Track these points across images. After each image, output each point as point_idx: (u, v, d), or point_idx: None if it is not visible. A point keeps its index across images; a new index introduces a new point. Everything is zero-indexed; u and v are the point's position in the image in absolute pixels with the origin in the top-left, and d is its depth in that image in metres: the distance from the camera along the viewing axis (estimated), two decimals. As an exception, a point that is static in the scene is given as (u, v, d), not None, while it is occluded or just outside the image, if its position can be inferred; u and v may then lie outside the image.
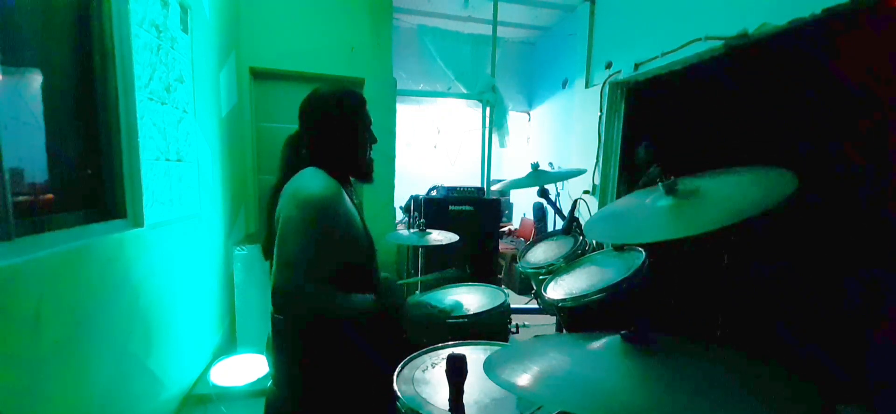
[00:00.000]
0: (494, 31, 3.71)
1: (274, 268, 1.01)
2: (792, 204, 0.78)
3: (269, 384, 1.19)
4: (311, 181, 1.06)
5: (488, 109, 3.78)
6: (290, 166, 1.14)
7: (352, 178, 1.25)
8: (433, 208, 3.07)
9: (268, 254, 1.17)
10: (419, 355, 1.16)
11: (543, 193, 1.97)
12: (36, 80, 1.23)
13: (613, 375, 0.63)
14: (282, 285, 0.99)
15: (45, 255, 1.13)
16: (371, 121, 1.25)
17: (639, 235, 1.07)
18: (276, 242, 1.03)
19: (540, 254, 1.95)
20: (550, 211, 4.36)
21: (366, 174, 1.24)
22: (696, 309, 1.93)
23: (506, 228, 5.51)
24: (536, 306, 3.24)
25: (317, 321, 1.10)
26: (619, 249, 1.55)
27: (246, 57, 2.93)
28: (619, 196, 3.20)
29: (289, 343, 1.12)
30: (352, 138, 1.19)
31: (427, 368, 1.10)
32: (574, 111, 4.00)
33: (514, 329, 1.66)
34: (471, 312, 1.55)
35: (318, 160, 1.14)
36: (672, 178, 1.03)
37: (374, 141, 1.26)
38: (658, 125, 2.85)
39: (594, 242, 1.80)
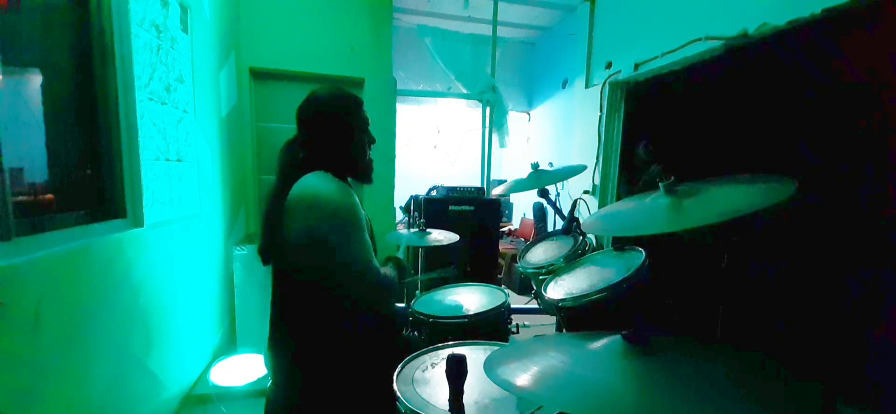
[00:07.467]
0: (494, 31, 3.71)
1: (349, 276, 1.04)
2: (792, 204, 0.78)
3: (268, 384, 1.19)
4: (327, 186, 1.04)
5: (488, 109, 3.78)
6: (289, 171, 1.12)
7: (350, 180, 1.24)
8: (433, 208, 3.07)
9: (266, 259, 1.16)
10: (419, 355, 1.17)
11: (543, 193, 1.96)
12: (36, 80, 1.23)
13: (613, 375, 0.63)
14: (369, 285, 1.05)
15: (45, 255, 1.13)
16: (368, 121, 1.24)
17: (637, 228, 1.07)
18: (315, 254, 1.03)
19: (540, 254, 1.95)
20: (550, 211, 4.36)
21: (365, 175, 1.24)
22: (696, 309, 1.93)
23: (506, 228, 5.51)
24: (536, 306, 3.23)
25: (316, 322, 1.10)
26: (620, 249, 1.55)
27: (246, 57, 2.93)
28: (619, 196, 3.20)
29: (288, 344, 1.12)
30: (348, 140, 1.18)
31: (427, 368, 1.10)
32: (574, 111, 4.00)
33: (514, 329, 1.66)
34: (471, 313, 1.56)
35: (317, 164, 1.12)
36: (672, 177, 1.03)
37: (373, 141, 1.25)
38: (658, 125, 2.86)
39: (594, 241, 1.80)
